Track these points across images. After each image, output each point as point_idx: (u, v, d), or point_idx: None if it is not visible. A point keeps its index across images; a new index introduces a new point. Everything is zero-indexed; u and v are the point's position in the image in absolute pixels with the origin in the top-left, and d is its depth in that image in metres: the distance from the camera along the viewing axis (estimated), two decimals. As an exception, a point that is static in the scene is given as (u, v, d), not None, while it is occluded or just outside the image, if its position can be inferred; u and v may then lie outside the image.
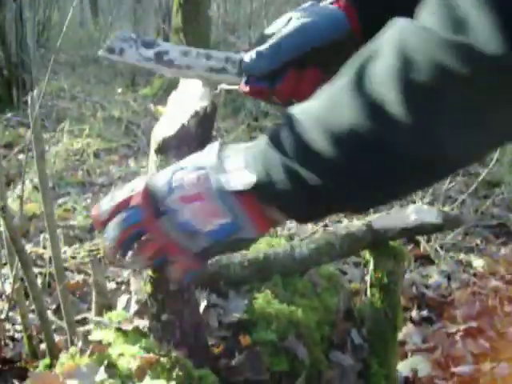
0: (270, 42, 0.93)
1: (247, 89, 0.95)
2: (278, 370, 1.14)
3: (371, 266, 1.38)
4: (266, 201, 0.76)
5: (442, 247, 2.79)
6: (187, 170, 0.79)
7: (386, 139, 0.64)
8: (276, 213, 0.78)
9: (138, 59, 0.92)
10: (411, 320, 2.25)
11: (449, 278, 2.57)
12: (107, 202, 0.85)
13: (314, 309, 1.33)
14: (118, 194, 0.85)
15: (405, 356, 2.01)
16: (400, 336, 1.86)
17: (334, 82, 0.69)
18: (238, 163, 0.77)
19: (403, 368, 1.89)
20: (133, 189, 0.83)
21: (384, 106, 0.62)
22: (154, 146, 0.94)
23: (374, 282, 1.38)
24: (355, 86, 0.65)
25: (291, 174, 0.71)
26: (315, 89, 0.74)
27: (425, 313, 2.28)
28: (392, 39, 0.62)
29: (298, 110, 0.72)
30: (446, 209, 3.05)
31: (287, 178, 0.71)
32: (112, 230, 0.84)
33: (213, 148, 0.80)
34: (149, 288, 1.04)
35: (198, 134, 0.92)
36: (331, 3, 0.97)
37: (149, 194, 0.80)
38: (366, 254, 1.44)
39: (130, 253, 0.86)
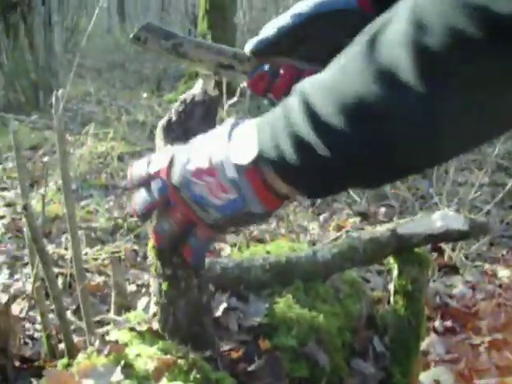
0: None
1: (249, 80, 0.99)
2: (298, 376, 1.12)
3: (395, 273, 1.35)
4: (273, 174, 0.75)
5: (466, 257, 2.74)
6: (202, 145, 0.83)
7: (395, 107, 0.61)
8: (285, 187, 0.76)
9: (158, 48, 0.99)
10: (434, 330, 2.21)
11: (473, 288, 2.52)
12: (141, 166, 0.90)
13: (336, 315, 1.30)
14: (153, 163, 0.89)
15: (427, 366, 1.97)
16: (423, 346, 1.82)
17: (345, 51, 0.67)
18: (246, 137, 0.78)
19: (426, 378, 1.85)
20: (162, 160, 0.87)
21: (395, 72, 0.59)
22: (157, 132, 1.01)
23: (397, 289, 1.35)
24: (367, 53, 0.62)
25: (299, 144, 0.69)
26: None
27: (448, 323, 2.24)
28: (406, 5, 0.59)
29: (309, 82, 0.70)
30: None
31: (295, 149, 0.69)
32: (140, 197, 0.92)
33: (226, 124, 0.83)
34: (153, 270, 1.06)
35: (199, 120, 0.98)
36: None
37: (171, 168, 0.85)
38: (390, 261, 1.41)
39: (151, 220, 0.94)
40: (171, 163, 0.85)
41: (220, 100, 1.03)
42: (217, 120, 1.04)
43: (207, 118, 1.00)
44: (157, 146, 1.02)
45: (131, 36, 1.00)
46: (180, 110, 0.99)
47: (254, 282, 1.29)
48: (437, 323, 2.24)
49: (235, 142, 0.79)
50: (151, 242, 1.05)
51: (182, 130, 0.98)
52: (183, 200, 0.85)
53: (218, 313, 1.19)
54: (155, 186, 0.88)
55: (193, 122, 0.98)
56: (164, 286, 1.06)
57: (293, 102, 0.70)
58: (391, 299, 1.36)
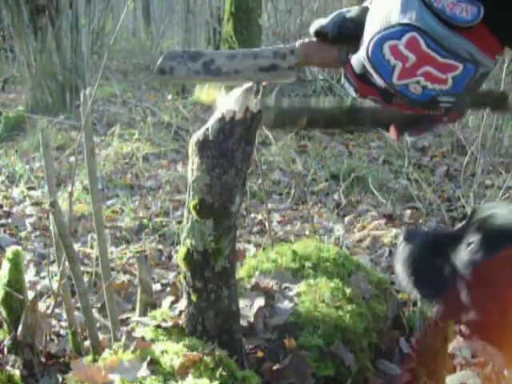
0: None
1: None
2: (324, 375, 1.11)
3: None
4: (497, 19, 0.71)
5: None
6: (393, 38, 0.74)
7: None
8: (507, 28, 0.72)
9: (187, 74, 0.90)
10: (461, 333, 2.17)
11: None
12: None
13: (362, 315, 1.29)
14: None
15: (453, 370, 1.94)
16: (449, 349, 1.80)
17: None
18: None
19: (452, 382, 1.82)
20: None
21: None
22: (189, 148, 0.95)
23: (424, 290, 1.33)
24: None
25: None
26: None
27: (475, 327, 2.21)
28: None
29: None
30: None
31: None
32: None
33: None
34: (182, 278, 1.05)
35: (238, 139, 0.92)
36: None
37: (368, 81, 0.78)
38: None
39: None
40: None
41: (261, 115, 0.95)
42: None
43: (248, 136, 0.93)
44: (190, 160, 0.96)
45: (155, 71, 0.91)
46: (218, 128, 0.92)
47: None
48: (463, 326, 2.21)
49: (439, 6, 0.71)
50: (181, 252, 1.03)
51: (220, 149, 0.92)
52: (404, 107, 0.78)
53: (253, 311, 1.19)
54: None
55: (232, 141, 0.92)
56: (193, 297, 1.05)
57: None
58: (417, 301, 1.35)
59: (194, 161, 0.95)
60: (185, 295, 1.07)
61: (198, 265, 1.01)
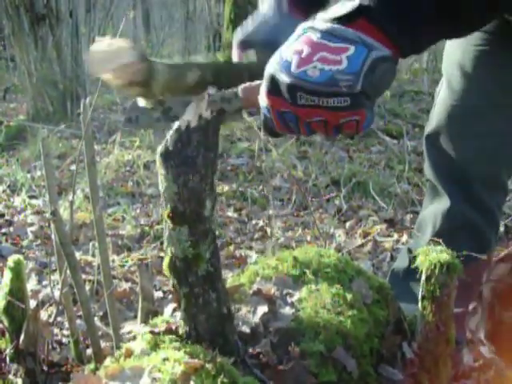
0: None
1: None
2: (326, 381, 1.11)
3: (423, 278, 1.33)
4: (376, 17, 0.81)
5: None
6: (292, 42, 0.84)
7: None
8: (390, 27, 0.82)
9: (149, 123, 1.03)
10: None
11: (503, 295, 2.48)
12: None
13: (364, 320, 1.29)
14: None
15: (455, 374, 1.94)
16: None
17: None
18: (337, 5, 0.82)
19: (455, 387, 1.82)
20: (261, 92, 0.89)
21: None
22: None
23: (425, 295, 1.34)
24: None
25: None
26: None
27: (477, 331, 2.20)
28: None
29: None
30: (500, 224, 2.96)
31: None
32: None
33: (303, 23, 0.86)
34: (172, 286, 1.07)
35: (197, 146, 0.96)
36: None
37: (274, 89, 0.85)
38: (418, 266, 1.39)
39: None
40: (272, 87, 0.86)
41: (222, 118, 1.00)
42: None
43: (207, 143, 0.97)
44: (159, 172, 1.00)
45: (123, 121, 1.03)
46: (175, 139, 0.96)
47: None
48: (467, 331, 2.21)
49: (326, 14, 0.83)
50: (166, 260, 1.05)
51: (181, 158, 0.96)
52: (311, 106, 0.83)
53: (256, 317, 1.19)
54: (281, 117, 0.88)
55: (191, 149, 0.96)
56: (182, 304, 1.07)
57: None
58: (419, 304, 1.35)
59: (161, 172, 0.99)
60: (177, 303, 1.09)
61: (181, 271, 1.04)
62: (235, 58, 1.26)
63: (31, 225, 3.05)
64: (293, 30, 1.03)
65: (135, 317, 1.87)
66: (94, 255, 2.46)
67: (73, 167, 3.84)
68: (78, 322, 1.72)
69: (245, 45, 1.21)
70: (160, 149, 0.98)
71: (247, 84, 0.96)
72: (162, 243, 2.76)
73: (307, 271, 1.39)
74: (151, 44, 11.06)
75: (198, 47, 8.92)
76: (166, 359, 0.99)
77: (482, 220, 1.65)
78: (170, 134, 0.96)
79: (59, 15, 5.36)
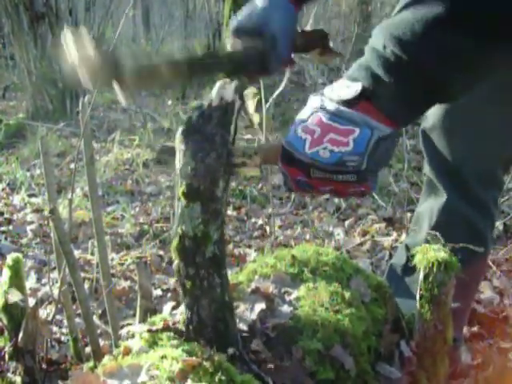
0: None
1: None
2: (323, 379, 1.11)
3: (421, 277, 1.33)
4: (378, 99, 0.91)
5: (493, 262, 2.70)
6: (305, 119, 0.95)
7: None
8: (389, 107, 0.92)
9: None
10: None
11: (501, 294, 2.48)
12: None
13: (361, 319, 1.29)
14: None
15: (453, 372, 1.94)
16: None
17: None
18: (342, 84, 0.93)
19: (452, 385, 1.82)
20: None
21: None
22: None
23: (423, 293, 1.34)
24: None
25: (387, 62, 0.89)
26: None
27: (475, 329, 2.21)
28: None
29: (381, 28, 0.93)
30: (499, 223, 2.96)
31: (386, 65, 0.90)
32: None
33: (313, 96, 0.97)
34: (176, 270, 1.09)
35: (216, 124, 1.02)
36: None
37: (291, 161, 0.96)
38: (416, 264, 1.40)
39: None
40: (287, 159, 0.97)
41: (240, 103, 1.06)
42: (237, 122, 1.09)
43: (225, 122, 1.03)
44: (177, 149, 1.04)
45: (154, 162, 1.12)
46: (198, 114, 1.02)
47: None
48: (464, 329, 2.21)
49: (333, 94, 0.93)
50: (174, 242, 1.07)
51: (201, 134, 1.02)
52: (323, 179, 0.94)
53: (254, 313, 1.20)
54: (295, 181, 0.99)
55: (211, 126, 1.02)
56: (187, 285, 1.08)
57: (376, 44, 0.92)
58: (417, 303, 1.35)
59: (180, 150, 1.03)
60: (180, 288, 1.10)
61: (189, 251, 1.06)
62: (230, 47, 1.29)
63: (30, 223, 3.05)
64: (280, 12, 1.21)
65: (134, 315, 1.87)
66: (92, 253, 2.46)
67: (72, 165, 3.84)
68: (77, 320, 1.72)
69: (237, 32, 1.27)
70: (182, 126, 1.03)
71: (266, 144, 1.10)
72: (160, 241, 2.76)
73: (305, 269, 1.39)
74: (151, 42, 11.05)
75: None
76: (163, 357, 1.00)
77: (477, 216, 1.66)
78: (192, 112, 1.03)
79: (59, 14, 5.36)
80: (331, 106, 0.93)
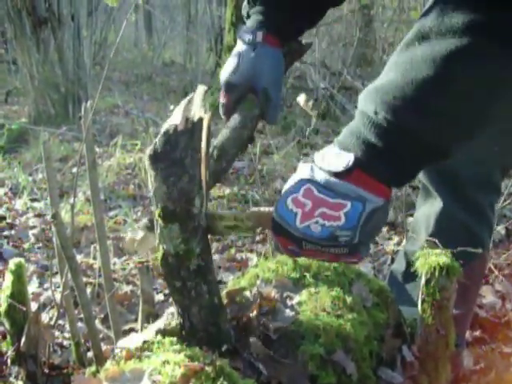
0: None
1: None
2: (325, 384, 1.11)
3: (423, 281, 1.33)
4: (370, 167, 0.88)
5: (495, 266, 2.70)
6: (293, 193, 0.92)
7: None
8: (384, 174, 0.89)
9: None
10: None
11: (503, 298, 2.48)
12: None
13: (363, 323, 1.29)
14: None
15: (455, 377, 1.94)
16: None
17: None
18: (333, 152, 0.90)
19: (454, 389, 1.82)
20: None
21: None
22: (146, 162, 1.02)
23: (425, 298, 1.34)
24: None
25: (381, 128, 0.87)
26: None
27: (477, 333, 2.21)
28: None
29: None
30: (501, 227, 2.96)
31: (380, 133, 0.86)
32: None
33: (303, 164, 0.94)
34: (164, 280, 1.12)
35: (184, 148, 0.98)
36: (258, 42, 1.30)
37: (283, 232, 0.93)
38: (418, 269, 1.40)
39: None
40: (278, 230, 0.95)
41: (209, 115, 1.04)
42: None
43: (193, 144, 0.99)
44: (148, 174, 1.02)
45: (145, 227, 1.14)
46: (164, 141, 0.97)
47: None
48: (466, 333, 2.21)
49: (324, 163, 0.90)
50: (159, 258, 1.07)
51: (169, 160, 0.97)
52: (315, 250, 0.92)
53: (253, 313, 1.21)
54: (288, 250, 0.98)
55: (179, 151, 0.97)
56: (175, 297, 1.09)
57: (365, 108, 0.91)
58: (419, 308, 1.35)
59: (150, 174, 1.00)
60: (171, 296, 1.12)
61: (173, 266, 1.06)
62: (221, 99, 1.34)
63: (33, 227, 3.06)
64: (269, 63, 1.28)
65: (136, 319, 1.87)
66: (95, 258, 2.46)
67: (74, 170, 3.85)
68: (79, 324, 1.73)
69: (227, 88, 1.32)
70: (149, 151, 0.99)
71: (257, 209, 1.04)
72: (163, 246, 2.76)
73: (307, 274, 1.39)
74: (153, 47, 11.08)
75: (200, 50, 8.92)
76: (165, 362, 1.00)
77: (474, 220, 1.66)
78: (158, 137, 0.97)
79: (61, 18, 5.37)
80: (322, 178, 0.90)
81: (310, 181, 0.91)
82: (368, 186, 0.88)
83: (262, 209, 1.05)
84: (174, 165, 0.98)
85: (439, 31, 0.83)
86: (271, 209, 0.99)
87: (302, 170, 0.93)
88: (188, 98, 1.04)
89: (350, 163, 0.87)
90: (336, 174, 0.89)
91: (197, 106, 1.03)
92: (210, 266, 1.09)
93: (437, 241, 1.36)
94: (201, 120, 1.00)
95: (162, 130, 0.98)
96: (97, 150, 4.28)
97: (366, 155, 0.88)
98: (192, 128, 0.98)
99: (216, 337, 1.10)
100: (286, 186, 0.94)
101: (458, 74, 0.83)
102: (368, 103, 0.90)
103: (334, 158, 0.90)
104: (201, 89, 1.09)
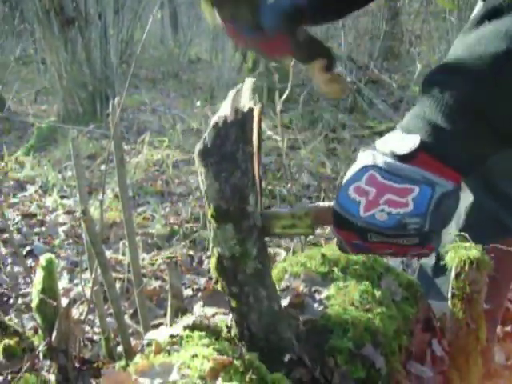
0: None
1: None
2: (355, 378, 1.10)
3: (452, 275, 1.32)
4: (437, 149, 0.81)
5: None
6: (355, 181, 0.85)
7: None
8: (452, 157, 0.82)
9: None
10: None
11: (536, 292, 2.44)
12: None
13: (392, 317, 1.28)
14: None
15: (487, 372, 1.92)
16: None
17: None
18: (396, 137, 0.84)
19: (486, 385, 1.80)
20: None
21: None
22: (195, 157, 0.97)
23: (455, 292, 1.33)
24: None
25: (448, 108, 0.80)
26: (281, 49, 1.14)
27: (509, 328, 2.17)
28: None
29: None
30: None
31: (445, 113, 0.80)
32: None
33: (364, 152, 0.88)
34: (220, 287, 1.05)
35: (235, 141, 0.93)
36: None
37: (345, 225, 0.87)
38: (448, 262, 1.38)
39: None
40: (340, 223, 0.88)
41: (261, 106, 0.99)
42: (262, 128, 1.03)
43: (244, 136, 0.94)
44: (199, 171, 0.97)
45: None
46: (214, 135, 0.92)
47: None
48: (497, 328, 2.18)
49: (387, 148, 0.84)
50: (213, 261, 1.02)
51: (220, 154, 0.93)
52: (382, 242, 0.86)
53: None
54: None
55: (229, 144, 0.93)
56: (233, 304, 1.04)
57: (431, 91, 0.83)
58: (449, 302, 1.34)
59: (201, 171, 0.96)
60: (228, 303, 1.06)
61: (229, 270, 1.01)
62: None
63: (63, 224, 3.10)
64: None
65: (165, 314, 1.89)
66: (124, 254, 2.49)
67: (103, 167, 3.89)
68: (109, 319, 1.74)
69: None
70: (198, 147, 0.94)
71: (317, 204, 0.98)
72: (190, 242, 2.78)
73: (335, 268, 1.38)
74: (179, 44, 11.11)
75: (226, 46, 8.92)
76: (194, 356, 1.00)
77: (504, 212, 1.63)
78: (207, 132, 0.93)
79: (88, 18, 5.42)
80: (385, 163, 0.84)
81: (374, 167, 0.84)
82: (436, 169, 0.82)
83: (320, 204, 0.99)
84: (225, 159, 0.93)
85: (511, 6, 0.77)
86: (330, 203, 0.93)
87: (364, 158, 0.87)
88: (236, 88, 1.00)
89: (416, 145, 0.81)
90: (401, 158, 0.82)
91: (245, 98, 0.98)
92: (268, 268, 1.04)
93: (467, 235, 1.34)
94: (251, 110, 0.95)
95: (211, 123, 0.93)
96: (124, 147, 4.32)
97: (432, 137, 0.82)
98: (242, 119, 0.93)
99: (277, 346, 1.05)
100: (347, 176, 0.88)
101: None
102: (433, 84, 0.84)
103: (398, 141, 0.84)
104: (249, 81, 1.04)
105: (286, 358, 1.05)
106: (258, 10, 1.10)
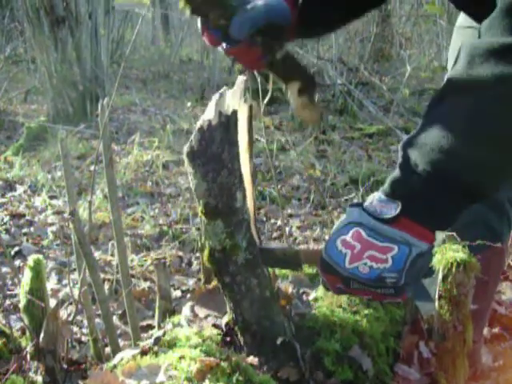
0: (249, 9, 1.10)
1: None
2: (342, 379, 1.11)
3: (440, 277, 1.33)
4: (416, 214, 0.91)
5: (515, 263, 2.68)
6: (343, 234, 0.94)
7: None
8: (428, 220, 0.91)
9: None
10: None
11: (523, 295, 2.45)
12: None
13: (380, 319, 1.29)
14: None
15: (473, 374, 1.93)
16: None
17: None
18: (380, 199, 0.93)
19: (473, 386, 1.81)
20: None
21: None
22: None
23: (442, 294, 1.33)
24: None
25: (421, 178, 0.90)
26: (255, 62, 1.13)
27: (496, 330, 2.19)
28: None
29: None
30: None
31: (419, 182, 0.90)
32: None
33: (352, 207, 0.96)
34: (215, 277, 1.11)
35: (220, 142, 0.99)
36: None
37: (331, 271, 0.96)
38: (435, 265, 1.39)
39: None
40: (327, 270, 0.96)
41: (251, 105, 1.05)
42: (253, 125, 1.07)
43: (229, 137, 1.00)
44: (188, 172, 1.03)
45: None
46: (199, 138, 0.98)
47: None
48: (484, 330, 2.19)
49: (372, 209, 0.93)
50: (206, 253, 1.08)
51: (207, 156, 0.98)
52: (362, 290, 0.95)
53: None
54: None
55: (214, 146, 0.98)
56: (226, 292, 1.10)
57: (408, 159, 0.92)
58: (436, 304, 1.34)
59: (189, 171, 1.01)
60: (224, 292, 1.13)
61: (221, 262, 1.07)
62: None
63: (51, 225, 3.09)
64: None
65: (153, 316, 1.88)
66: (112, 254, 2.48)
67: (92, 167, 3.88)
68: (97, 320, 1.74)
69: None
70: (186, 149, 1.00)
71: (306, 247, 1.07)
72: (180, 243, 2.78)
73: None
74: (170, 44, 11.10)
75: (215, 49, 8.93)
76: (181, 357, 1.00)
77: (493, 215, 1.65)
78: (193, 134, 0.98)
79: (78, 17, 5.41)
80: (371, 222, 0.93)
81: (360, 224, 0.94)
82: (414, 231, 0.91)
83: (311, 247, 1.08)
84: (212, 160, 0.99)
85: (468, 84, 0.88)
86: (320, 247, 1.01)
87: (351, 214, 0.96)
88: (220, 91, 1.04)
89: (397, 211, 0.91)
90: (384, 220, 0.92)
91: (234, 97, 1.04)
92: (258, 259, 1.10)
93: (455, 235, 1.35)
94: (235, 113, 1.00)
95: (197, 126, 0.98)
96: (114, 147, 4.31)
97: (410, 204, 0.91)
98: (226, 121, 0.99)
99: (270, 330, 1.11)
100: (335, 228, 0.97)
101: (492, 126, 0.87)
102: (407, 156, 0.93)
103: (381, 205, 0.93)
104: (240, 79, 1.09)
105: (279, 340, 1.10)
106: (231, 19, 1.11)
